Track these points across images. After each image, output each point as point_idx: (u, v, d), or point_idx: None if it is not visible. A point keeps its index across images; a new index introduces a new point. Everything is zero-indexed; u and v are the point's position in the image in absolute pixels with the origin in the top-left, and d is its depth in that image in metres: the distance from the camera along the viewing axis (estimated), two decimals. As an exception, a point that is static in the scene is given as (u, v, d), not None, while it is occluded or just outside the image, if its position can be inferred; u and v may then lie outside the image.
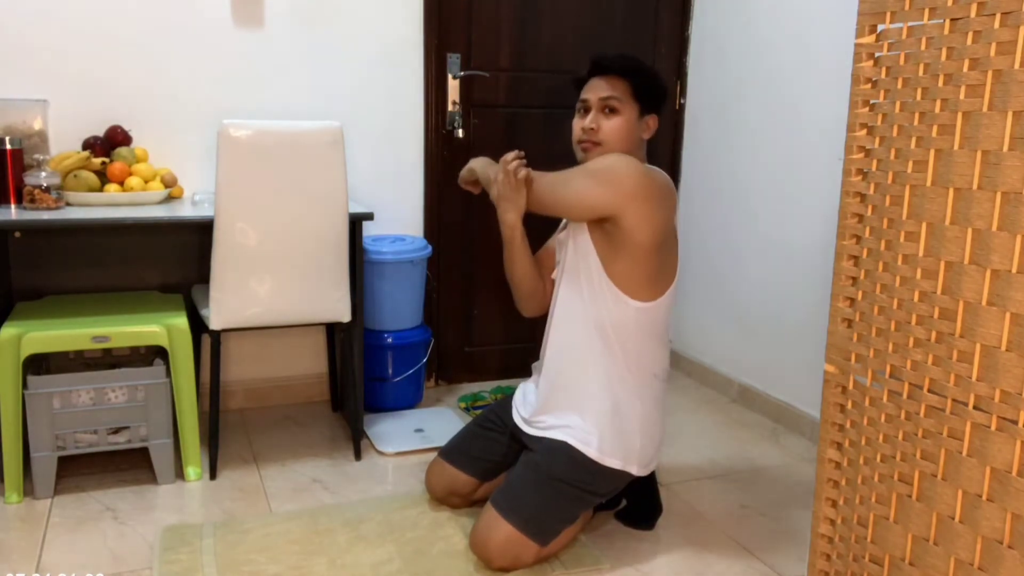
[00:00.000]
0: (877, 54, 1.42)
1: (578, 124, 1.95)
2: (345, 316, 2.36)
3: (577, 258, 1.91)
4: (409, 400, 2.86)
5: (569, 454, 1.88)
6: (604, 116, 1.91)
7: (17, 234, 2.42)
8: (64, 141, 2.47)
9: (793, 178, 2.74)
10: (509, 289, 2.08)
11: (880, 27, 1.41)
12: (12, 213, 2.17)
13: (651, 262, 1.86)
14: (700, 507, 2.23)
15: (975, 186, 1.26)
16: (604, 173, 1.83)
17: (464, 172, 2.11)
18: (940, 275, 1.33)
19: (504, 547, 1.83)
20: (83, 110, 2.49)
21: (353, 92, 2.79)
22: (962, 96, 1.27)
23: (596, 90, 1.92)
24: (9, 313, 2.23)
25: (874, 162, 1.44)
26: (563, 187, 1.87)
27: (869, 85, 1.44)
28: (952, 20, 1.28)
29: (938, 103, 1.31)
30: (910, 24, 1.36)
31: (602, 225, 1.85)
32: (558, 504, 1.88)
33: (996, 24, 1.21)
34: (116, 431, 2.21)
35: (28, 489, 2.16)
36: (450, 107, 2.93)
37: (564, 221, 2.06)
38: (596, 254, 1.87)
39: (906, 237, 1.38)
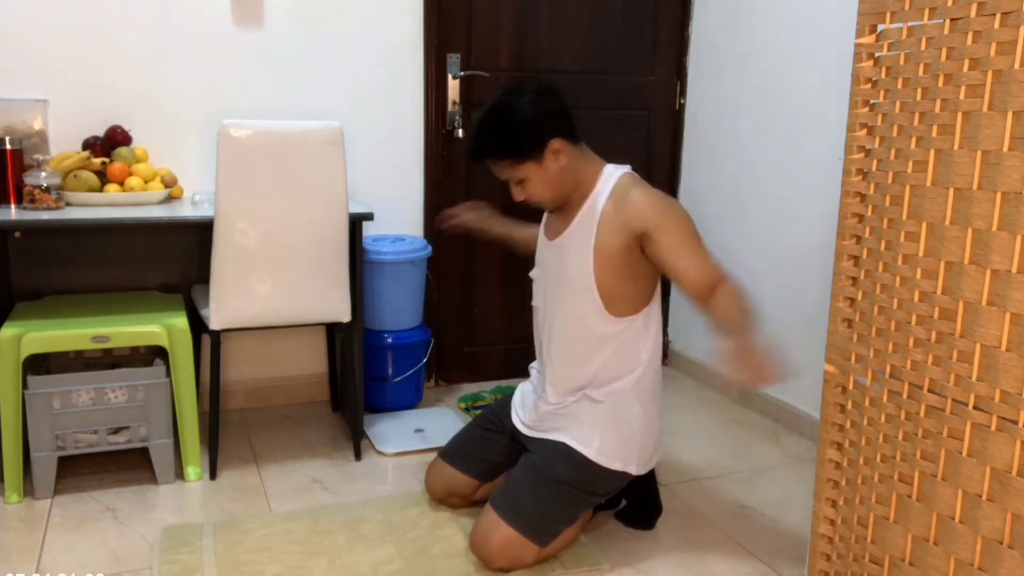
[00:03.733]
0: (877, 54, 1.42)
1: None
2: (345, 316, 2.36)
3: (568, 271, 1.89)
4: (409, 400, 2.86)
5: (569, 455, 1.88)
6: (520, 188, 1.88)
7: (17, 234, 2.42)
8: (64, 141, 2.47)
9: (793, 178, 2.74)
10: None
11: (880, 27, 1.42)
12: (12, 213, 2.17)
13: (652, 285, 1.89)
14: (700, 507, 2.23)
15: (975, 186, 1.26)
16: (692, 233, 1.81)
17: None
18: (940, 275, 1.33)
19: (504, 548, 1.83)
20: (83, 110, 2.49)
21: (353, 92, 2.79)
22: (962, 96, 1.27)
23: (496, 171, 1.89)
24: (9, 313, 2.23)
25: (874, 162, 1.44)
26: (703, 261, 1.80)
27: (869, 85, 1.44)
28: (952, 20, 1.28)
29: (938, 103, 1.31)
30: (910, 24, 1.36)
31: (628, 259, 1.82)
32: (558, 505, 1.88)
33: (996, 24, 1.21)
34: (116, 431, 2.21)
35: (28, 489, 2.16)
36: (450, 107, 2.93)
37: (543, 221, 2.05)
38: (595, 283, 1.85)
39: (906, 237, 1.38)
